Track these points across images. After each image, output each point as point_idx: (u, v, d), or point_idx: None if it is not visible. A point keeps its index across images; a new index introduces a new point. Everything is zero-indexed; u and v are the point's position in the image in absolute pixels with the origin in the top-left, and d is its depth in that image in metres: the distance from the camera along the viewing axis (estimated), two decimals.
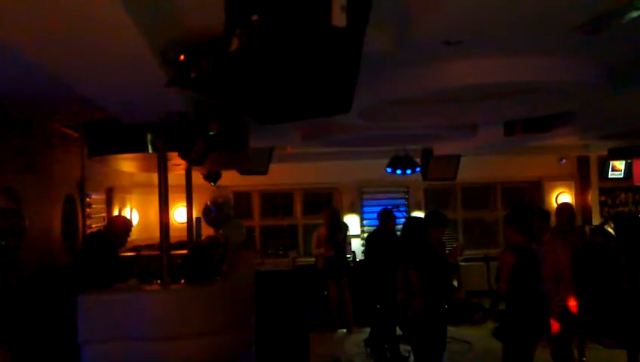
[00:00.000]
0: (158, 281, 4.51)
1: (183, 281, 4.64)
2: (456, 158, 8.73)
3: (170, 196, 4.57)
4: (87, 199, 6.41)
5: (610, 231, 7.16)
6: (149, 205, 8.42)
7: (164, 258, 4.43)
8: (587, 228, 8.76)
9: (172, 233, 4.66)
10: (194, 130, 4.09)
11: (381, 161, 9.05)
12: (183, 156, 4.24)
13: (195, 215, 6.47)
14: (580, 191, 10.77)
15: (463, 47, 3.41)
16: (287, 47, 2.09)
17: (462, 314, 8.26)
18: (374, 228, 7.95)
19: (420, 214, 9.34)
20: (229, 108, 3.99)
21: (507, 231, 4.70)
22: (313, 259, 8.74)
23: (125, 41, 2.55)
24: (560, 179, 10.83)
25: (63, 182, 5.69)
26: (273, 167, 8.21)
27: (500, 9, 2.88)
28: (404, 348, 6.54)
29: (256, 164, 7.72)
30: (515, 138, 6.25)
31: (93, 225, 6.47)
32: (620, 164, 10.49)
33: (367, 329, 8.41)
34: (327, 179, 10.26)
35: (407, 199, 10.65)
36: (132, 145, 4.61)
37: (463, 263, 6.50)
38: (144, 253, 6.31)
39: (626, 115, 5.78)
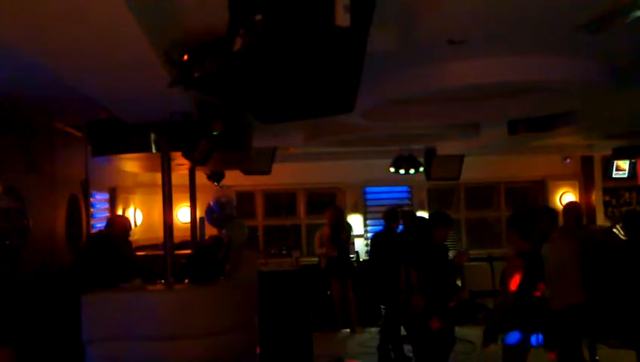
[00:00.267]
0: (162, 281, 4.51)
1: (186, 281, 4.64)
2: (460, 158, 8.72)
3: (174, 196, 4.57)
4: (91, 199, 6.42)
5: (616, 231, 7.14)
6: (153, 205, 8.43)
7: (168, 258, 4.43)
8: (597, 227, 8.71)
9: (176, 233, 4.66)
10: (197, 130, 4.09)
11: (384, 161, 9.04)
12: (186, 156, 4.24)
13: (198, 215, 6.47)
14: (584, 190, 10.74)
15: (466, 46, 3.41)
16: (291, 46, 2.09)
17: (465, 314, 8.24)
18: (381, 228, 7.94)
19: (423, 214, 9.32)
20: (232, 107, 4.00)
21: (510, 237, 4.68)
22: (316, 259, 8.74)
23: (129, 41, 2.55)
24: (564, 178, 10.80)
25: (67, 181, 5.70)
26: (276, 167, 8.21)
27: (503, 8, 2.87)
28: (409, 348, 6.53)
29: (259, 164, 7.72)
30: (519, 137, 6.24)
31: (97, 225, 6.48)
32: (624, 164, 10.46)
33: (371, 329, 8.42)
34: (331, 179, 10.25)
35: (410, 199, 10.64)
36: (136, 144, 4.62)
37: (466, 263, 6.48)
38: (148, 252, 6.32)
39: (630, 114, 5.77)
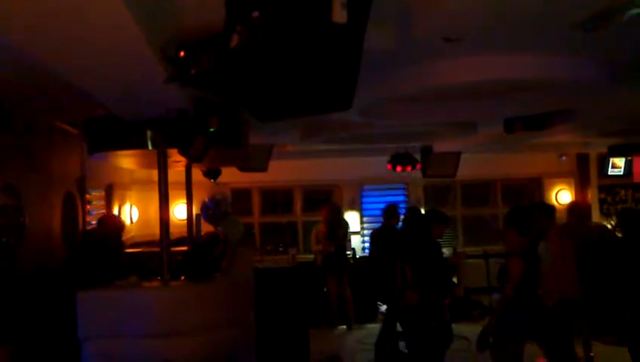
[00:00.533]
0: (158, 278, 4.51)
1: (182, 278, 4.64)
2: (456, 155, 8.73)
3: (170, 193, 4.56)
4: (87, 196, 6.40)
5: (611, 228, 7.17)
6: (149, 202, 8.41)
7: (164, 255, 4.43)
8: (593, 224, 8.74)
9: (172, 230, 4.66)
10: (194, 127, 4.08)
11: (381, 158, 9.04)
12: (182, 153, 4.23)
13: (194, 211, 6.46)
14: (580, 188, 10.77)
15: (463, 44, 3.41)
16: (288, 43, 2.09)
17: (461, 310, 8.26)
18: (380, 225, 7.95)
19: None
20: (229, 104, 3.99)
21: (508, 235, 4.69)
22: (313, 256, 8.74)
23: (125, 37, 2.54)
24: (560, 176, 10.83)
25: (63, 179, 5.69)
26: (273, 164, 8.20)
27: (499, 6, 2.88)
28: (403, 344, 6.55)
29: (256, 161, 7.72)
30: (515, 135, 6.25)
31: (93, 222, 6.47)
32: (620, 161, 10.49)
33: (368, 326, 8.44)
34: (327, 176, 10.25)
35: (407, 196, 10.65)
36: (132, 141, 4.60)
37: (463, 261, 6.54)
38: (144, 249, 6.31)
39: (628, 112, 5.79)
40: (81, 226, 6.06)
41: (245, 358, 5.09)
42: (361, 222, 10.56)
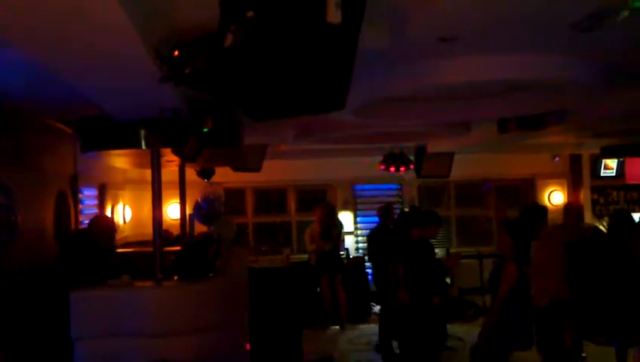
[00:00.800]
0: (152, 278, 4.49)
1: (176, 278, 4.62)
2: (450, 156, 8.75)
3: (164, 192, 4.54)
4: (80, 195, 6.37)
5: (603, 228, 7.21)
6: (142, 201, 8.38)
7: (157, 254, 4.41)
8: (585, 225, 8.77)
9: (165, 229, 4.64)
10: (188, 127, 4.07)
11: (375, 158, 9.05)
12: (176, 152, 4.22)
13: (188, 211, 6.45)
14: (573, 189, 10.82)
15: (457, 44, 3.41)
16: (282, 43, 2.09)
17: (454, 311, 8.29)
18: (375, 225, 7.99)
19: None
20: (223, 104, 3.98)
21: (504, 242, 4.75)
22: (306, 256, 8.74)
23: (119, 36, 2.53)
24: (553, 177, 10.88)
25: (56, 177, 5.66)
26: (267, 164, 8.20)
27: (494, 6, 2.88)
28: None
29: (249, 161, 7.71)
30: (509, 135, 6.28)
31: (86, 221, 6.44)
32: (612, 163, 10.55)
33: (361, 326, 8.44)
34: (321, 176, 10.25)
35: (400, 196, 10.67)
36: (125, 141, 4.59)
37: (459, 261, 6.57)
38: (137, 249, 6.28)
39: (621, 113, 5.82)
40: (73, 225, 6.03)
41: (238, 358, 5.08)
42: (355, 222, 10.56)
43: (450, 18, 3.03)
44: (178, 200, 6.19)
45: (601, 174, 10.76)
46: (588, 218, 10.58)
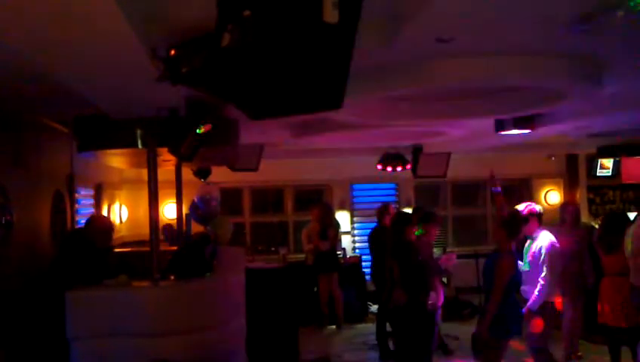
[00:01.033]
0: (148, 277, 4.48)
1: (172, 278, 4.62)
2: (447, 156, 8.77)
3: (160, 192, 4.54)
4: (76, 195, 6.36)
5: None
6: (139, 201, 8.36)
7: (154, 254, 4.41)
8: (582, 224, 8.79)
9: (169, 224, 4.63)
10: (184, 126, 4.07)
11: (372, 158, 9.06)
12: (172, 152, 4.22)
13: (184, 211, 6.44)
14: (569, 188, 10.84)
15: (455, 44, 3.42)
16: (279, 42, 2.09)
17: (451, 310, 8.30)
18: (375, 224, 8.01)
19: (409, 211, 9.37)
20: (219, 103, 3.98)
21: (499, 235, 4.79)
22: (303, 256, 8.75)
23: (117, 36, 2.53)
24: (549, 176, 10.90)
25: (52, 177, 5.65)
26: (264, 164, 8.19)
27: (491, 6, 2.89)
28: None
29: (246, 161, 7.70)
30: (505, 134, 6.29)
31: (82, 221, 6.42)
32: (608, 162, 10.58)
33: (357, 326, 8.45)
34: (318, 176, 10.25)
35: (397, 196, 10.68)
36: (122, 140, 4.58)
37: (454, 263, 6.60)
38: (133, 249, 6.27)
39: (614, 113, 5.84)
40: (69, 225, 6.01)
41: (235, 358, 5.08)
42: (352, 222, 10.57)
43: (447, 18, 3.03)
44: (175, 200, 6.19)
45: (597, 174, 10.79)
46: (584, 217, 10.60)
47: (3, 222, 4.52)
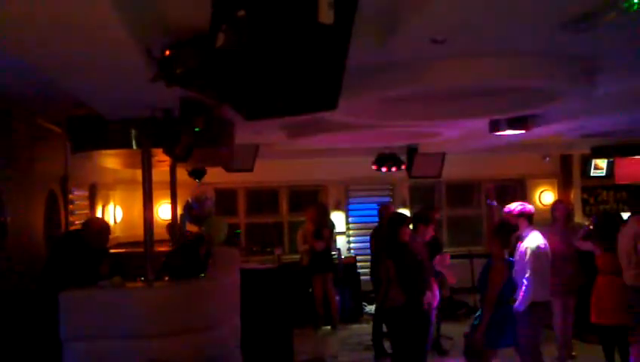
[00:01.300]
0: (142, 278, 4.47)
1: (166, 278, 4.60)
2: (441, 156, 8.78)
3: (155, 193, 4.53)
4: (70, 195, 6.33)
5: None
6: (133, 202, 8.34)
7: (148, 255, 4.39)
8: (575, 224, 8.82)
9: (156, 230, 4.62)
10: (179, 127, 4.06)
11: (367, 159, 9.07)
12: (167, 152, 4.20)
13: (179, 212, 6.43)
14: (563, 189, 10.88)
15: (449, 45, 3.42)
16: (274, 43, 2.09)
17: (446, 310, 8.31)
18: (376, 224, 8.05)
19: (405, 211, 9.38)
20: (214, 104, 3.97)
21: (493, 243, 4.85)
22: (298, 256, 8.74)
23: (111, 36, 2.52)
24: (543, 177, 10.94)
25: (46, 177, 5.62)
26: (259, 164, 8.18)
27: (486, 7, 2.90)
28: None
29: (241, 161, 7.69)
30: (499, 134, 6.30)
31: (76, 222, 6.40)
32: (602, 163, 10.62)
33: (352, 327, 8.45)
34: (313, 177, 10.25)
35: (392, 197, 10.69)
36: (116, 141, 4.57)
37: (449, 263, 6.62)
38: (127, 250, 6.25)
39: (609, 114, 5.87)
40: (63, 226, 5.99)
41: (230, 359, 5.07)
42: (347, 223, 10.57)
43: (442, 19, 3.04)
44: (169, 201, 6.17)
45: (591, 174, 10.83)
46: (578, 217, 10.64)
47: None
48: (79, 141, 4.86)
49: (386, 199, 10.58)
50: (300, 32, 2.04)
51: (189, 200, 6.83)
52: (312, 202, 9.83)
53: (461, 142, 7.90)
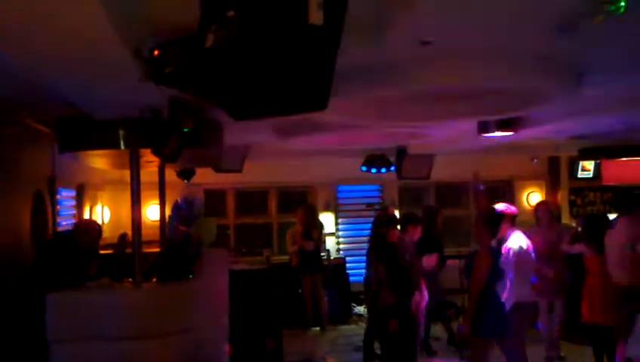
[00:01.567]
0: (130, 279, 4.45)
1: (154, 279, 4.58)
2: (431, 157, 8.82)
3: (143, 193, 4.50)
4: (58, 196, 6.28)
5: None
6: (121, 202, 8.29)
7: (136, 256, 4.37)
8: (563, 226, 8.88)
9: (144, 231, 4.60)
10: (167, 127, 4.04)
11: (356, 160, 9.08)
12: (156, 153, 4.18)
13: (167, 213, 6.40)
14: (551, 190, 10.96)
15: (438, 46, 3.44)
16: (263, 44, 2.08)
17: (435, 311, 8.33)
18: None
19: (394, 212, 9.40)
20: (203, 104, 3.96)
21: (482, 232, 4.84)
22: (287, 257, 8.73)
23: (99, 36, 2.51)
24: (531, 178, 11.01)
25: (33, 178, 5.57)
26: (248, 165, 8.17)
27: (472, 10, 2.91)
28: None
29: (230, 162, 7.67)
30: (488, 136, 6.34)
31: (64, 223, 6.34)
32: (589, 164, 10.71)
33: (341, 328, 8.45)
34: (303, 178, 10.24)
35: (381, 198, 10.71)
36: (104, 141, 4.53)
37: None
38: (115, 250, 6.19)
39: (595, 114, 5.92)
40: (50, 226, 5.93)
41: (218, 360, 5.05)
42: (336, 224, 10.58)
43: (430, 21, 3.05)
44: (157, 202, 6.14)
45: (579, 176, 10.92)
46: (565, 219, 10.72)
47: None
48: (67, 141, 4.82)
49: (376, 200, 10.60)
50: (290, 32, 2.04)
51: (178, 200, 6.81)
52: (302, 203, 9.82)
53: (450, 143, 7.94)
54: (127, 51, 2.75)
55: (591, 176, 10.84)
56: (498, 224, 4.89)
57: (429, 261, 6.14)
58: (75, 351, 4.02)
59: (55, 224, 6.08)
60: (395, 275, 5.25)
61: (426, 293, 6.08)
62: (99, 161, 6.20)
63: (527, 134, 6.75)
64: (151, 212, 8.69)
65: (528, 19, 3.06)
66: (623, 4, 2.55)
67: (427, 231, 6.74)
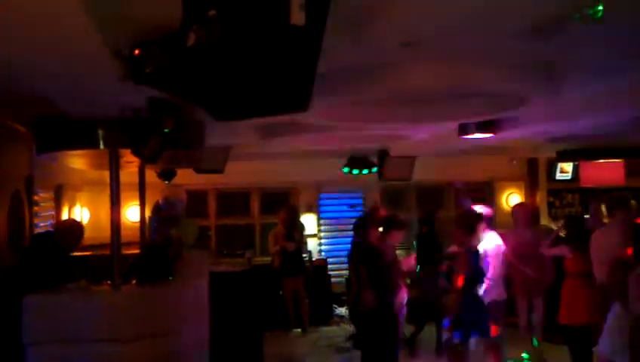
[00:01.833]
0: (109, 282, 4.39)
1: (134, 282, 4.53)
2: (412, 159, 8.87)
3: (123, 194, 4.46)
4: (35, 197, 6.18)
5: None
6: (100, 204, 8.18)
7: (115, 258, 4.32)
8: (542, 227, 8.98)
9: (124, 232, 4.55)
10: (148, 127, 4.00)
11: (338, 161, 9.09)
12: (136, 153, 4.14)
13: (147, 214, 6.33)
14: (530, 191, 11.08)
15: (419, 49, 3.45)
16: (245, 44, 2.08)
17: (416, 312, 8.37)
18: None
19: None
20: (184, 104, 3.93)
21: (457, 234, 4.93)
22: (270, 259, 8.71)
23: (78, 34, 2.48)
24: (510, 179, 11.12)
25: (10, 178, 5.47)
26: (230, 166, 8.13)
27: (453, 13, 2.93)
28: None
29: (212, 163, 7.63)
30: (468, 138, 6.40)
31: (41, 224, 6.25)
32: (568, 166, 10.84)
33: (323, 329, 8.45)
34: (285, 179, 10.22)
35: (363, 199, 10.73)
36: (82, 141, 4.48)
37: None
38: (94, 252, 6.14)
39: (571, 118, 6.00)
40: (27, 228, 5.84)
41: None
42: (318, 225, 10.58)
43: (412, 23, 3.06)
44: (138, 203, 6.08)
45: (557, 177, 11.05)
46: (544, 220, 10.84)
47: None
48: (45, 141, 4.74)
49: (358, 201, 10.61)
50: (272, 32, 2.04)
51: (159, 201, 6.75)
52: (284, 204, 9.80)
53: (430, 145, 7.99)
54: (107, 50, 2.73)
55: (569, 177, 10.97)
56: (474, 222, 4.98)
57: (408, 261, 6.18)
58: (52, 354, 3.97)
59: (32, 225, 5.98)
60: (377, 277, 5.27)
61: (404, 294, 6.12)
62: (78, 161, 6.12)
63: (506, 135, 6.82)
64: (131, 213, 8.60)
65: (505, 22, 3.09)
66: (600, 8, 2.58)
67: (429, 232, 6.90)
